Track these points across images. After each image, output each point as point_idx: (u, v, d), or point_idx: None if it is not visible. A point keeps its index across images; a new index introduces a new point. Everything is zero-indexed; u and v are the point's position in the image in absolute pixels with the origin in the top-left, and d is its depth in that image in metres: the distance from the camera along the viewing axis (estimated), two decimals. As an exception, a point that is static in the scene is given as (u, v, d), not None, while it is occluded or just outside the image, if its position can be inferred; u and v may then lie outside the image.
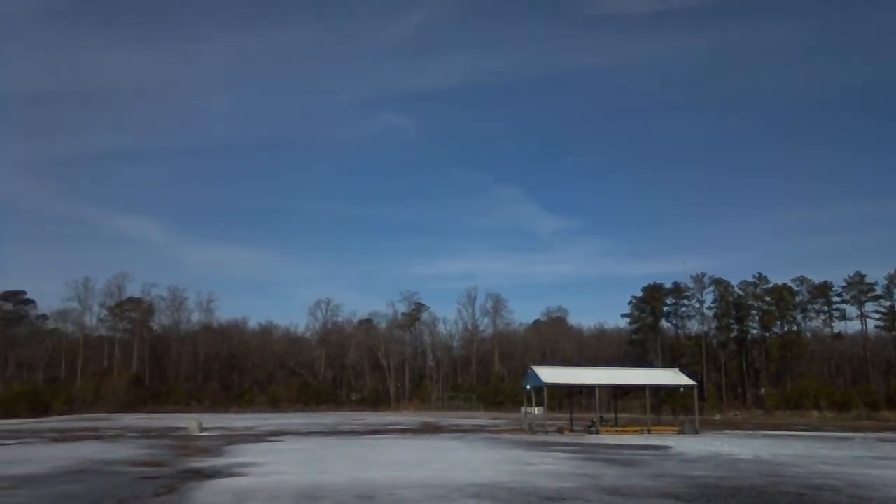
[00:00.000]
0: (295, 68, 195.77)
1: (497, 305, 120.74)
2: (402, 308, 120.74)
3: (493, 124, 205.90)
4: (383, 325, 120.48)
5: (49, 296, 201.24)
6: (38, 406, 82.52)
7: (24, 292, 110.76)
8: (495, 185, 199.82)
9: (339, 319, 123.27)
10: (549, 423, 45.42)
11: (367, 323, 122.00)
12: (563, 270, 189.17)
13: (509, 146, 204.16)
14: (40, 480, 17.87)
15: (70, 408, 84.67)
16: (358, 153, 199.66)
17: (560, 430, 44.12)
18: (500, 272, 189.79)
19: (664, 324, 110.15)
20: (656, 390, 54.55)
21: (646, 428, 44.74)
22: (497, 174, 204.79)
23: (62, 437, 39.72)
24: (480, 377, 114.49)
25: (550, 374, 46.80)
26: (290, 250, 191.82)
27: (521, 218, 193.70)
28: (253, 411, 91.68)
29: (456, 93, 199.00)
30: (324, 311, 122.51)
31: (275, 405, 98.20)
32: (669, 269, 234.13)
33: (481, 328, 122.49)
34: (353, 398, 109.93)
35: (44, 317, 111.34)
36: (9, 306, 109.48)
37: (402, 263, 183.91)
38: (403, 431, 45.07)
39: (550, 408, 51.42)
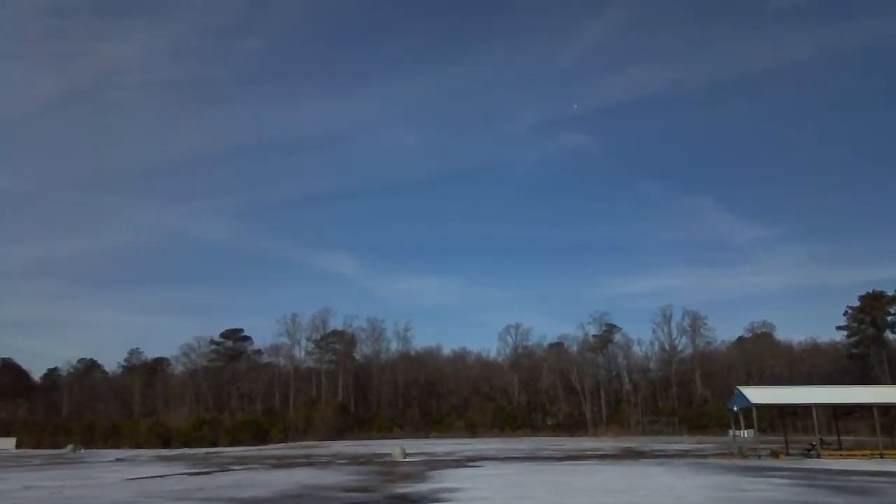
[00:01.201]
0: (474, 98, 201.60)
1: (695, 323, 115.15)
2: (593, 330, 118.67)
3: (677, 134, 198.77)
4: (575, 349, 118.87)
5: (263, 332, 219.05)
6: (259, 434, 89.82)
7: (241, 330, 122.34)
8: (684, 196, 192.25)
9: (530, 343, 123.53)
10: (761, 446, 42.28)
11: (557, 346, 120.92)
12: (766, 282, 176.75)
13: (696, 155, 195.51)
14: None
15: (285, 435, 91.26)
16: (541, 175, 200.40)
17: (774, 454, 40.92)
18: (696, 287, 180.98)
19: (889, 335, 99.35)
20: (886, 409, 48.94)
21: (877, 452, 40.27)
22: (686, 185, 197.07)
23: (280, 463, 42.74)
24: (681, 399, 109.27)
25: (759, 395, 43.71)
26: (478, 276, 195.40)
27: (714, 229, 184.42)
28: (451, 436, 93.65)
29: (636, 105, 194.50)
30: (514, 336, 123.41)
31: (472, 430, 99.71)
32: (890, 274, 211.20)
33: (679, 348, 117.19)
34: (549, 423, 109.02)
35: (259, 352, 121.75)
36: (230, 343, 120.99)
37: (590, 284, 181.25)
38: (603, 457, 43.87)
39: (761, 430, 47.92)
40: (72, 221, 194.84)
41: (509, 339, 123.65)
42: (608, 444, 68.72)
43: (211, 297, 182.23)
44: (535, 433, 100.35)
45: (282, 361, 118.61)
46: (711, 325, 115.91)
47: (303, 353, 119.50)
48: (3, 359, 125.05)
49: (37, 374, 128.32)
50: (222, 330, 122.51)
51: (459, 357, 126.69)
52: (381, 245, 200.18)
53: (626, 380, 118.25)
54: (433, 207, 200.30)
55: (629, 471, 30.93)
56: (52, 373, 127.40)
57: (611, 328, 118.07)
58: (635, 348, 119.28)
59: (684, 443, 67.64)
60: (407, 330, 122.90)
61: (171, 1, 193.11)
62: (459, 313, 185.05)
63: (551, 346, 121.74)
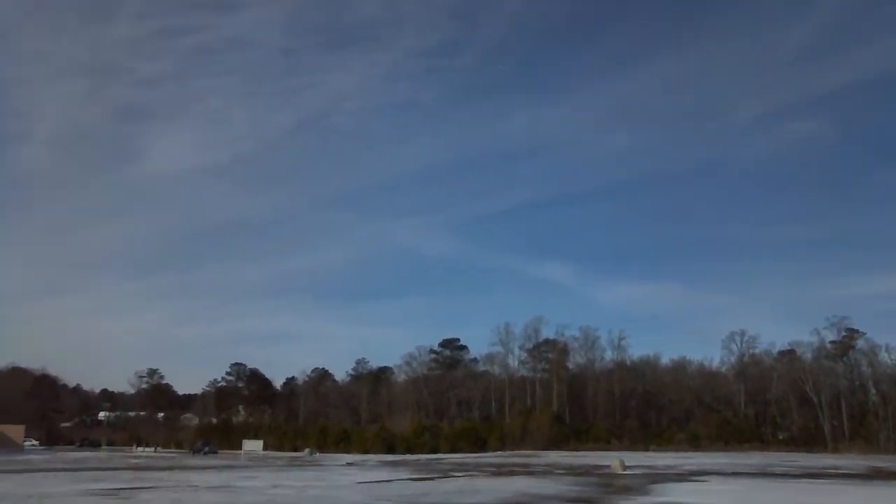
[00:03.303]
0: (691, 92, 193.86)
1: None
2: (830, 335, 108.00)
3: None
4: (809, 356, 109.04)
5: (478, 341, 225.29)
6: (477, 442, 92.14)
7: (458, 339, 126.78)
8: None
9: (757, 351, 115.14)
10: None
11: (789, 354, 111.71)
12: None
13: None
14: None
15: (502, 444, 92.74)
16: (768, 168, 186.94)
17: None
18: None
19: None
20: None
21: None
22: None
23: (499, 471, 43.59)
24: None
25: None
26: (698, 281, 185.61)
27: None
28: (672, 449, 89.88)
29: (875, 84, 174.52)
30: (738, 344, 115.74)
31: (695, 444, 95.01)
32: None
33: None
34: (781, 437, 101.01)
35: (475, 360, 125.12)
36: (448, 352, 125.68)
37: (825, 284, 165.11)
38: (847, 476, 39.90)
39: None
40: (307, 241, 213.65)
41: (734, 347, 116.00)
42: (851, 461, 62.26)
43: (430, 307, 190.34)
44: (764, 448, 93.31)
45: (496, 370, 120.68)
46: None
47: (516, 362, 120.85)
48: (251, 370, 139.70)
49: (278, 382, 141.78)
50: (440, 339, 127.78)
51: (679, 366, 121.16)
52: (594, 251, 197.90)
53: (873, 390, 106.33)
54: (648, 210, 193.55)
55: (880, 493, 27.93)
56: (290, 382, 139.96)
57: (852, 333, 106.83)
58: (882, 355, 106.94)
59: (948, 463, 59.57)
60: (622, 338, 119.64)
61: (385, 29, 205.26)
62: (678, 320, 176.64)
63: (781, 353, 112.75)
